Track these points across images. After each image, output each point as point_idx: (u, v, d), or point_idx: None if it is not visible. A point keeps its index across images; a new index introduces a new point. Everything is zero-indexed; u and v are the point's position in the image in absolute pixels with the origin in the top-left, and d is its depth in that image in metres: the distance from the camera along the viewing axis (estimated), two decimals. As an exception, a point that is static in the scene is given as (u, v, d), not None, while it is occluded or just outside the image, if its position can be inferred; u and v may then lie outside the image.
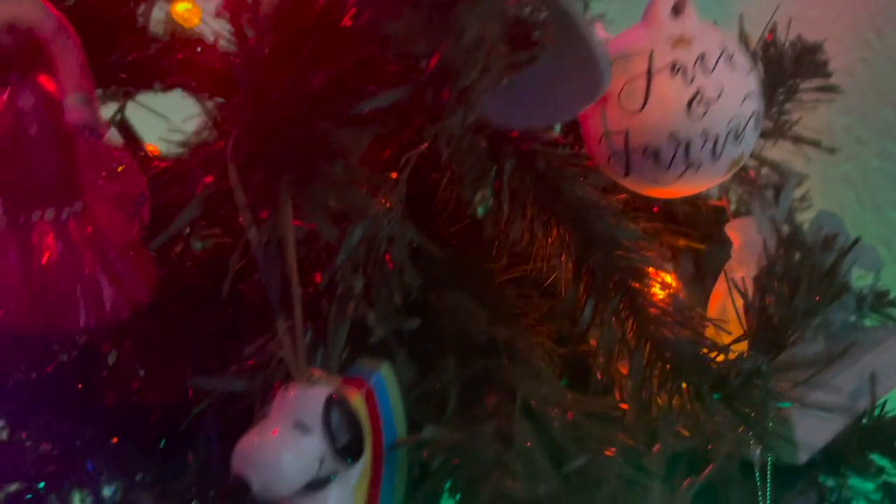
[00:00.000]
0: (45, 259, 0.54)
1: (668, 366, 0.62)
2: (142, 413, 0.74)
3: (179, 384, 0.74)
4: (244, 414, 0.61)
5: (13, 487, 0.86)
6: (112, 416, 0.74)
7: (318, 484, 0.55)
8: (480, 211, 0.77)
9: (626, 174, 0.66)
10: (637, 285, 0.65)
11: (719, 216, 0.85)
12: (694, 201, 0.85)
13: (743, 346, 0.64)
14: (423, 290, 0.67)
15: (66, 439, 0.82)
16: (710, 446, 0.67)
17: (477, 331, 0.66)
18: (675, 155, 0.64)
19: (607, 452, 0.61)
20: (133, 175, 0.59)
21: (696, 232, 0.84)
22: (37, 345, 0.69)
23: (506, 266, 0.73)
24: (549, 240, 0.68)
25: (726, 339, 0.65)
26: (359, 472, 0.57)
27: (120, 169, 0.59)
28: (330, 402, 0.55)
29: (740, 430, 0.60)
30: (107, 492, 0.73)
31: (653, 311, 0.64)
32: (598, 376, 0.67)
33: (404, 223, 0.65)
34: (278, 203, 0.49)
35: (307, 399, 0.55)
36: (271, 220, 0.50)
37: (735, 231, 0.77)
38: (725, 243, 0.80)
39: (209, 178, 0.51)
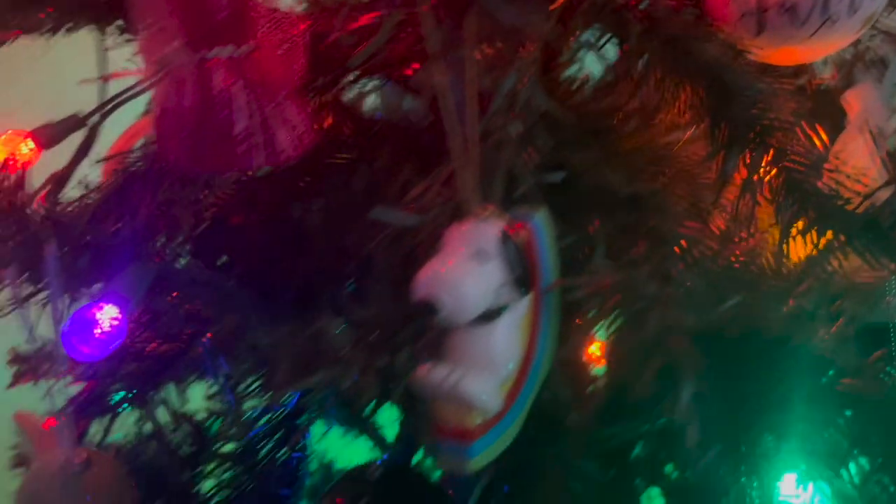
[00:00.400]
0: (222, 96, 0.55)
1: (813, 213, 0.63)
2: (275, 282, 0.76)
3: (308, 252, 0.75)
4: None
5: (130, 368, 0.87)
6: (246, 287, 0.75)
7: (491, 314, 0.56)
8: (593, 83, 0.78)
9: (759, 32, 0.67)
10: (777, 137, 0.65)
11: (824, 93, 0.85)
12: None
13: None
14: (558, 152, 0.68)
15: (186, 317, 0.83)
16: (839, 302, 0.68)
17: (618, 186, 0.66)
18: (812, 8, 0.64)
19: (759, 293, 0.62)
20: (292, 23, 0.59)
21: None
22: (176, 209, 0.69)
23: (632, 133, 0.74)
24: (680, 102, 0.69)
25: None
26: (525, 308, 0.59)
27: (280, 18, 0.59)
28: (505, 234, 0.56)
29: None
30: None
31: (794, 161, 0.64)
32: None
33: (535, 87, 0.66)
34: (464, 28, 0.50)
35: (483, 231, 0.56)
36: (457, 46, 0.51)
37: (854, 98, 0.78)
38: (832, 119, 0.80)
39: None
